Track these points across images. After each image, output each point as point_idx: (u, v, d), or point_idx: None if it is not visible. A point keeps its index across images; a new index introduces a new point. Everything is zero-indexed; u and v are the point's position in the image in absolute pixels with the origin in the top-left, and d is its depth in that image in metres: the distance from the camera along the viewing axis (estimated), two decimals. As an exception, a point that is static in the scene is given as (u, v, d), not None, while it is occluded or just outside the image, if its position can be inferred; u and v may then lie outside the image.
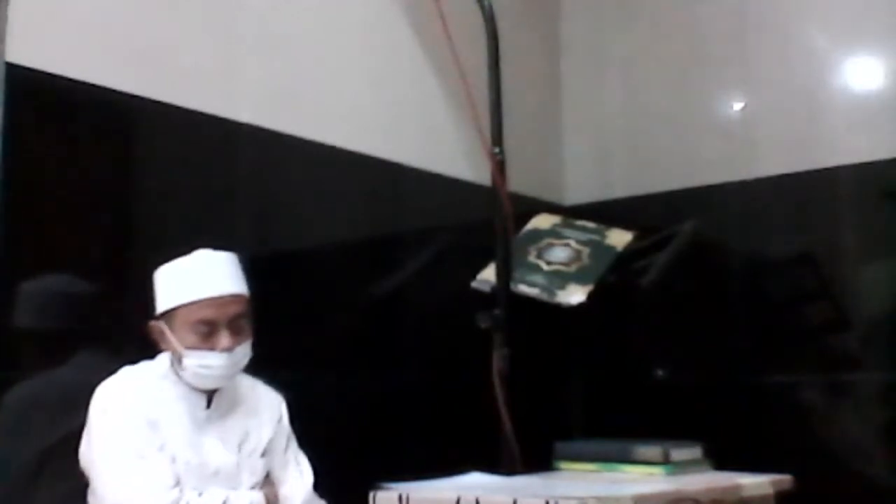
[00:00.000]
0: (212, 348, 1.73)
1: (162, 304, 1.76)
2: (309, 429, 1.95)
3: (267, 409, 1.89)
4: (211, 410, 1.79)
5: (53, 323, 1.91)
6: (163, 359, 1.80)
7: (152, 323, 1.77)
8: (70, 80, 1.97)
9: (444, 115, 2.85)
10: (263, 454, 1.85)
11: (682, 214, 2.87)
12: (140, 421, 1.69)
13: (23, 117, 1.88)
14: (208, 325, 1.73)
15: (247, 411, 1.85)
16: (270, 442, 1.86)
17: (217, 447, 1.78)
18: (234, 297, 1.76)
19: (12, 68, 1.87)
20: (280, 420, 1.90)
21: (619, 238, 2.80)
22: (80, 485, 1.73)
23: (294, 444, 1.92)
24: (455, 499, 1.80)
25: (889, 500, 2.54)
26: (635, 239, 2.80)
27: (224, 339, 1.73)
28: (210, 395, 1.80)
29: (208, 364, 1.73)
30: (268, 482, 1.85)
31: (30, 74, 1.90)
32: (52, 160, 1.95)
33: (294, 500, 1.85)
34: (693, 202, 2.98)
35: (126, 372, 1.76)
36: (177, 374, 1.78)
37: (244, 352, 1.78)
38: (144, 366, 1.80)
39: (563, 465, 2.38)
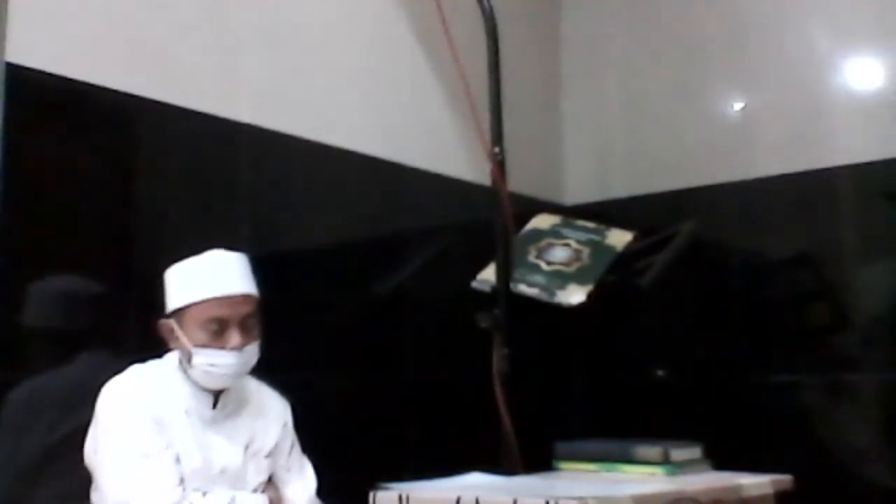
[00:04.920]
0: (222, 347, 1.74)
1: (174, 302, 1.76)
2: (309, 428, 1.95)
3: (273, 412, 1.89)
4: (217, 410, 1.80)
5: (59, 322, 1.91)
6: (171, 357, 1.81)
7: (162, 321, 1.78)
8: (70, 80, 1.97)
9: (444, 115, 2.85)
10: (268, 455, 1.85)
11: (682, 214, 2.87)
12: (146, 419, 1.69)
13: (23, 117, 1.88)
14: (220, 323, 1.73)
15: (253, 413, 1.86)
16: (275, 445, 1.87)
17: (223, 447, 1.78)
18: (246, 297, 1.78)
19: (12, 68, 1.88)
20: (286, 424, 1.90)
21: (619, 238, 2.80)
22: (83, 481, 1.73)
23: (298, 449, 1.92)
24: (455, 499, 1.80)
25: (889, 500, 2.54)
26: (635, 239, 2.80)
27: (235, 337, 1.74)
28: (216, 396, 1.80)
29: (218, 362, 1.74)
30: (271, 485, 1.85)
31: (30, 74, 1.90)
32: (52, 160, 1.95)
33: None
34: (693, 202, 2.98)
35: (134, 370, 1.76)
36: (185, 372, 1.78)
37: (253, 352, 1.79)
38: (152, 364, 1.80)
39: (563, 465, 2.38)
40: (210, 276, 1.76)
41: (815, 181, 2.78)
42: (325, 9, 2.58)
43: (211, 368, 1.74)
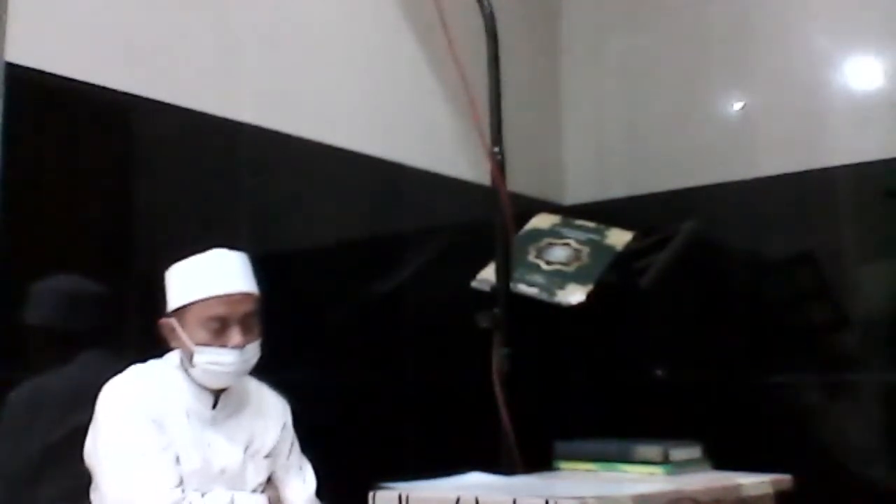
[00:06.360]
0: (223, 345, 1.74)
1: (175, 301, 1.77)
2: (309, 428, 1.95)
3: (273, 412, 1.89)
4: (217, 410, 1.80)
5: (59, 322, 1.91)
6: (171, 357, 1.81)
7: (163, 320, 1.78)
8: (70, 80, 1.97)
9: (444, 115, 2.85)
10: (267, 456, 1.85)
11: (682, 214, 2.87)
12: (146, 419, 1.69)
13: (23, 117, 1.88)
14: (221, 321, 1.74)
15: (253, 413, 1.86)
16: (275, 446, 1.87)
17: (223, 447, 1.78)
18: (247, 296, 1.78)
19: (12, 68, 1.88)
20: (285, 425, 1.91)
21: (619, 238, 2.79)
22: (83, 481, 1.73)
23: (298, 450, 1.93)
24: (455, 499, 1.80)
25: (889, 500, 2.54)
26: (635, 239, 2.80)
27: (235, 336, 1.74)
28: (216, 396, 1.80)
29: (219, 361, 1.74)
30: (271, 486, 1.86)
31: (30, 74, 1.90)
32: (52, 160, 1.95)
33: None
34: (693, 202, 2.98)
35: (134, 370, 1.76)
36: (185, 372, 1.78)
37: (254, 350, 1.79)
38: (153, 364, 1.80)
39: (563, 464, 2.38)
40: (211, 275, 1.76)
41: (815, 181, 2.78)
42: (325, 9, 2.58)
43: (212, 367, 1.74)
